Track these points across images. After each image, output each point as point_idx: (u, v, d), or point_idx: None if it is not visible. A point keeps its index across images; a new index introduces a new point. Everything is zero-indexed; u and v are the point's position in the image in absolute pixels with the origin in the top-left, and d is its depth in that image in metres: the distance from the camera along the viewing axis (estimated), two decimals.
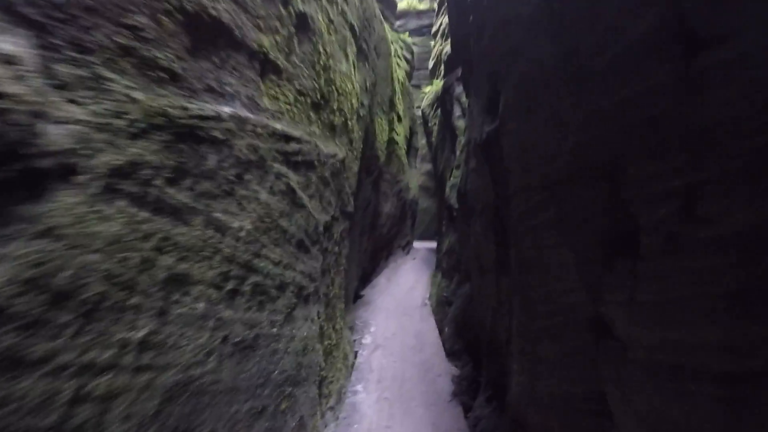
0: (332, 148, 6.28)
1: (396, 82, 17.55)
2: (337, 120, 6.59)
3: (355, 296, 14.29)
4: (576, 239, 3.59)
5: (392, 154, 17.11)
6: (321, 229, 5.76)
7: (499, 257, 6.29)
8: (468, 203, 8.84)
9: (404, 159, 19.78)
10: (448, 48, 13.72)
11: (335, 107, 6.49)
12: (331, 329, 7.31)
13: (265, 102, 4.33)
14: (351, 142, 7.54)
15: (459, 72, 12.59)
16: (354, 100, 7.73)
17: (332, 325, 7.35)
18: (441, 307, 12.25)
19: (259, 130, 4.06)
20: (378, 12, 12.60)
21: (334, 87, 6.50)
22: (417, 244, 26.02)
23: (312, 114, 5.52)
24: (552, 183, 3.84)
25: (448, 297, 11.37)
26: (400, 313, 13.32)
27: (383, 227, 16.78)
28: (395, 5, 21.38)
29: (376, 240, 16.30)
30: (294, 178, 4.69)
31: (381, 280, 16.97)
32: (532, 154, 4.19)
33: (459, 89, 12.36)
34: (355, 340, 11.44)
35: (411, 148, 22.91)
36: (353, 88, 7.70)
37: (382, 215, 16.28)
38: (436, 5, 24.47)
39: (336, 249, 6.92)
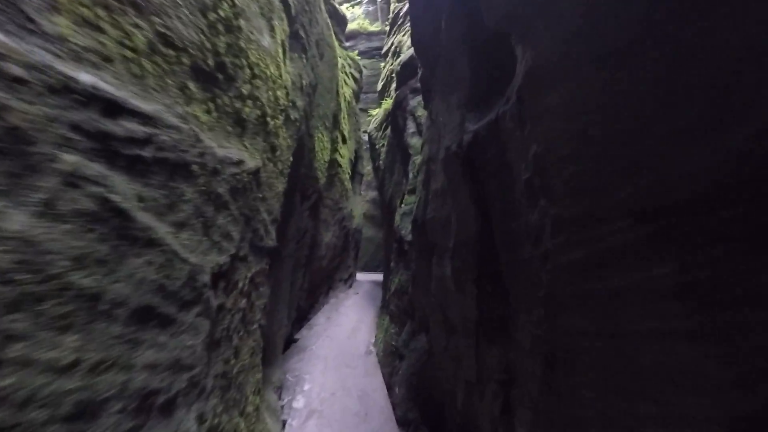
0: (236, 152, 3.97)
1: (342, 99, 15.48)
2: (249, 111, 4.30)
3: (287, 342, 11.73)
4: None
5: (334, 178, 14.88)
6: (206, 279, 3.38)
7: (486, 319, 4.15)
8: (427, 236, 6.72)
9: (348, 184, 17.61)
10: (402, 57, 11.82)
11: (245, 92, 4.22)
12: (238, 417, 4.86)
13: (60, 27, 2.03)
14: (273, 149, 5.24)
15: (416, 79, 10.68)
16: (280, 93, 5.47)
17: (240, 410, 4.92)
18: (390, 358, 9.94)
19: (15, 70, 1.76)
20: (323, 7, 10.55)
21: (245, 61, 4.23)
22: (360, 276, 23.67)
23: (193, 86, 3.22)
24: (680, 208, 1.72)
25: (399, 348, 9.11)
26: (340, 364, 10.86)
27: (323, 259, 14.39)
28: (345, 22, 19.53)
29: (315, 274, 13.86)
30: (126, 190, 2.34)
31: (320, 320, 14.45)
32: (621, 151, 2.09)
33: (414, 102, 10.40)
34: (283, 405, 8.87)
35: (356, 174, 20.80)
36: (280, 77, 5.46)
37: (321, 246, 13.91)
38: (387, 27, 22.96)
39: (243, 303, 4.52)
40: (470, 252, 4.35)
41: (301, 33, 6.88)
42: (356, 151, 19.93)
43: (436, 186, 6.13)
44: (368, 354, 11.34)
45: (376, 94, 23.19)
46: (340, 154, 15.40)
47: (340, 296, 17.78)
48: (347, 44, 23.87)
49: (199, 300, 3.33)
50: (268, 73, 4.85)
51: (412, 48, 11.67)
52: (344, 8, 22.80)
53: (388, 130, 14.10)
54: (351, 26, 26.94)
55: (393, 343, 9.95)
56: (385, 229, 14.97)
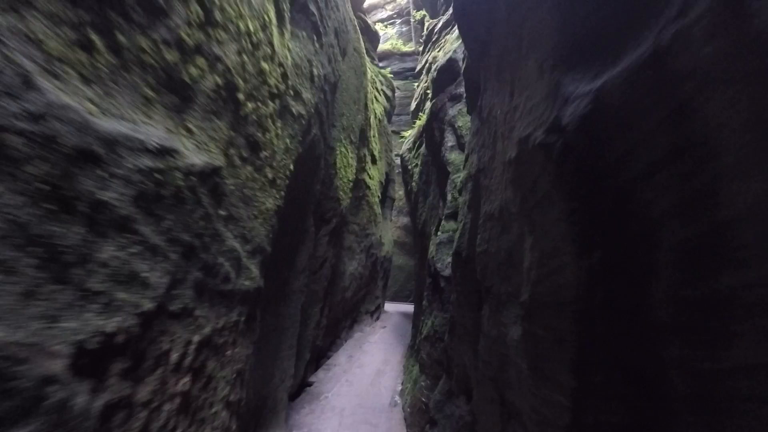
0: (158, 133, 2.25)
1: (371, 114, 13.88)
2: (196, 75, 2.60)
3: (300, 385, 9.86)
4: None
5: (362, 201, 13.16)
6: (53, 367, 1.63)
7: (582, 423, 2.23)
8: (473, 275, 4.82)
9: (377, 209, 15.87)
10: (440, 61, 10.10)
11: (190, 41, 2.52)
12: None
13: None
14: (254, 147, 3.51)
15: (455, 84, 8.90)
16: (269, 68, 3.77)
17: None
18: (418, 417, 7.93)
19: None
20: (348, 6, 8.98)
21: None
22: (389, 306, 21.69)
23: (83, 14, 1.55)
24: None
25: (430, 408, 7.12)
26: (359, 420, 8.87)
27: (346, 291, 12.56)
28: (377, 38, 18.16)
29: (336, 307, 12.02)
30: None
31: (340, 359, 12.52)
32: None
33: (453, 111, 8.60)
34: None
35: (386, 198, 19.07)
36: (270, 44, 3.78)
37: (344, 276, 12.10)
38: (421, 47, 21.54)
39: (185, 383, 2.73)
40: (565, 316, 2.44)
41: (312, 8, 5.22)
42: (387, 174, 18.25)
43: (490, 208, 4.25)
44: (393, 406, 9.30)
45: (409, 116, 21.63)
46: (368, 175, 13.72)
47: (365, 330, 15.84)
48: (380, 65, 22.55)
49: (33, 410, 1.56)
50: (242, 27, 3.13)
51: (455, 45, 10.03)
52: (377, 27, 21.52)
53: (422, 148, 12.33)
54: (384, 46, 25.67)
55: (423, 399, 7.92)
56: (417, 259, 13.03)
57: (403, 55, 26.27)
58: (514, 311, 3.38)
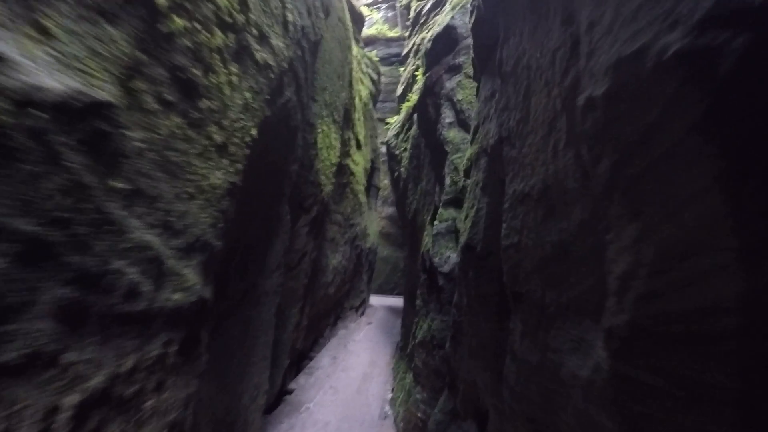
0: None
1: (356, 95, 12.62)
2: None
3: (279, 394, 8.65)
4: None
5: (346, 188, 11.91)
6: None
7: None
8: (494, 275, 3.69)
9: (363, 197, 14.64)
10: (434, 30, 8.88)
11: None
12: None
13: None
14: (189, 90, 2.30)
15: (453, 54, 7.68)
16: None
17: None
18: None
19: None
20: None
21: None
22: (374, 300, 20.50)
23: None
24: None
25: (430, 428, 6.01)
26: None
27: (329, 286, 11.33)
28: (362, 20, 16.78)
29: (319, 304, 10.81)
30: None
31: (323, 360, 11.31)
32: None
33: (451, 83, 7.39)
34: None
35: (371, 187, 17.84)
36: None
37: (327, 271, 10.87)
38: (407, 32, 20.21)
39: None
40: (715, 360, 1.31)
41: None
42: (372, 162, 17.02)
43: (523, 186, 3.09)
44: (383, 419, 8.16)
45: (395, 103, 20.37)
46: (353, 160, 12.47)
47: (350, 326, 14.65)
48: (365, 50, 21.18)
49: None
50: None
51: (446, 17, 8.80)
52: (363, 8, 20.15)
53: (412, 131, 11.13)
54: (369, 31, 24.24)
55: (419, 414, 6.79)
56: (407, 251, 11.86)
57: (389, 41, 24.84)
58: (579, 335, 2.24)
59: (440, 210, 6.64)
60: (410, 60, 16.18)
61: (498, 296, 3.62)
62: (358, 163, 13.49)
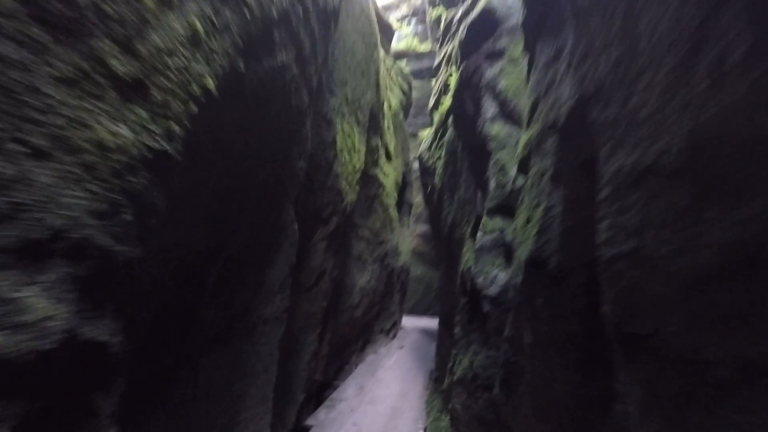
0: None
1: (385, 101, 11.55)
2: None
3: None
4: None
5: (374, 201, 10.74)
6: None
7: None
8: (582, 304, 2.38)
9: (393, 213, 13.44)
10: (471, 16, 7.71)
11: None
12: None
13: None
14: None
15: (492, 39, 6.46)
16: None
17: None
18: None
19: None
20: None
21: None
22: (407, 321, 18.98)
23: None
24: None
25: None
26: None
27: (356, 308, 10.09)
28: (392, 32, 15.88)
29: (343, 328, 9.57)
30: None
31: (348, 391, 10.00)
32: None
33: (492, 71, 6.14)
34: None
35: (403, 204, 16.62)
36: None
37: (353, 291, 9.65)
38: (438, 45, 19.21)
39: None
40: None
41: None
42: (405, 177, 15.86)
43: (637, 157, 1.81)
44: None
45: (427, 118, 19.24)
46: (383, 171, 11.34)
47: (380, 351, 13.28)
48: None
49: None
50: None
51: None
52: (392, 21, 19.31)
53: (446, 136, 9.89)
54: (399, 46, 23.33)
55: None
56: (443, 271, 10.48)
57: (419, 55, 23.84)
58: None
59: (484, 219, 5.34)
60: (442, 69, 15.05)
61: (587, 337, 2.29)
62: (388, 174, 12.35)
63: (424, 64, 23.28)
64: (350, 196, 7.40)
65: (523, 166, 3.99)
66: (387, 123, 12.46)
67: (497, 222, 5.03)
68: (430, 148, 13.10)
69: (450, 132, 9.16)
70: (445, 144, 10.03)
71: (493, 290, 4.70)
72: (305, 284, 6.27)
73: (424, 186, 14.51)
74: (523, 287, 3.16)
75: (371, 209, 10.39)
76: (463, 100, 6.99)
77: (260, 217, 3.78)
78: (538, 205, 3.06)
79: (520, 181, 4.36)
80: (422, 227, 22.48)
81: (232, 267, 3.41)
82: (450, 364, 6.41)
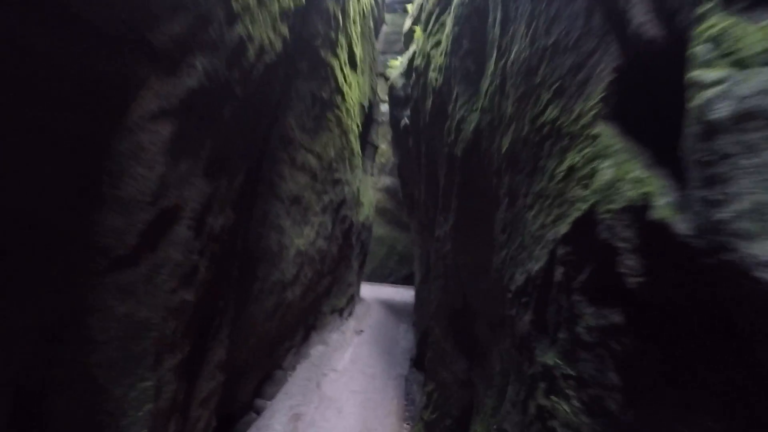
0: None
1: None
2: None
3: None
4: None
5: (326, 111, 6.17)
6: None
7: None
8: None
9: (355, 144, 8.96)
10: None
11: None
12: None
13: None
14: None
15: None
16: None
17: None
18: None
19: None
20: None
21: None
22: (366, 291, 14.37)
23: None
24: None
25: None
26: None
27: (290, 287, 5.71)
28: None
29: (259, 329, 5.24)
30: None
31: (275, 419, 5.78)
32: None
33: None
34: None
35: (367, 144, 12.10)
36: None
37: (285, 259, 5.29)
38: None
39: None
40: None
41: None
42: (370, 107, 11.27)
43: None
44: None
45: (400, 53, 14.47)
46: (343, 72, 6.80)
47: (331, 340, 8.98)
48: None
49: None
50: None
51: None
52: None
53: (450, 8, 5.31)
54: None
55: None
56: (419, 241, 5.99)
57: None
58: None
59: None
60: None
61: None
62: (352, 85, 7.81)
63: None
64: (271, 51, 2.87)
65: None
66: (355, 20, 7.85)
67: None
68: (406, 73, 8.55)
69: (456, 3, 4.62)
70: (450, 19, 5.51)
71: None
72: (109, 252, 1.84)
73: (394, 126, 10.00)
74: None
75: (321, 123, 5.89)
76: None
77: None
78: None
79: None
80: (386, 180, 18.15)
81: None
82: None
